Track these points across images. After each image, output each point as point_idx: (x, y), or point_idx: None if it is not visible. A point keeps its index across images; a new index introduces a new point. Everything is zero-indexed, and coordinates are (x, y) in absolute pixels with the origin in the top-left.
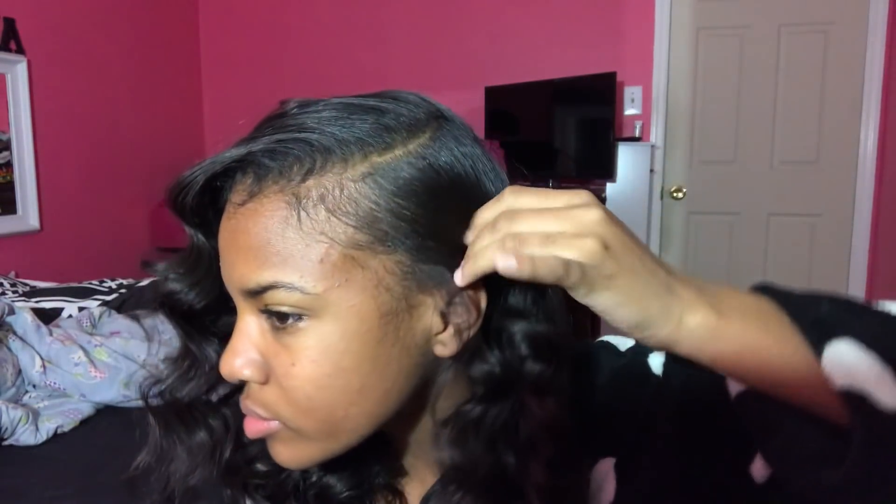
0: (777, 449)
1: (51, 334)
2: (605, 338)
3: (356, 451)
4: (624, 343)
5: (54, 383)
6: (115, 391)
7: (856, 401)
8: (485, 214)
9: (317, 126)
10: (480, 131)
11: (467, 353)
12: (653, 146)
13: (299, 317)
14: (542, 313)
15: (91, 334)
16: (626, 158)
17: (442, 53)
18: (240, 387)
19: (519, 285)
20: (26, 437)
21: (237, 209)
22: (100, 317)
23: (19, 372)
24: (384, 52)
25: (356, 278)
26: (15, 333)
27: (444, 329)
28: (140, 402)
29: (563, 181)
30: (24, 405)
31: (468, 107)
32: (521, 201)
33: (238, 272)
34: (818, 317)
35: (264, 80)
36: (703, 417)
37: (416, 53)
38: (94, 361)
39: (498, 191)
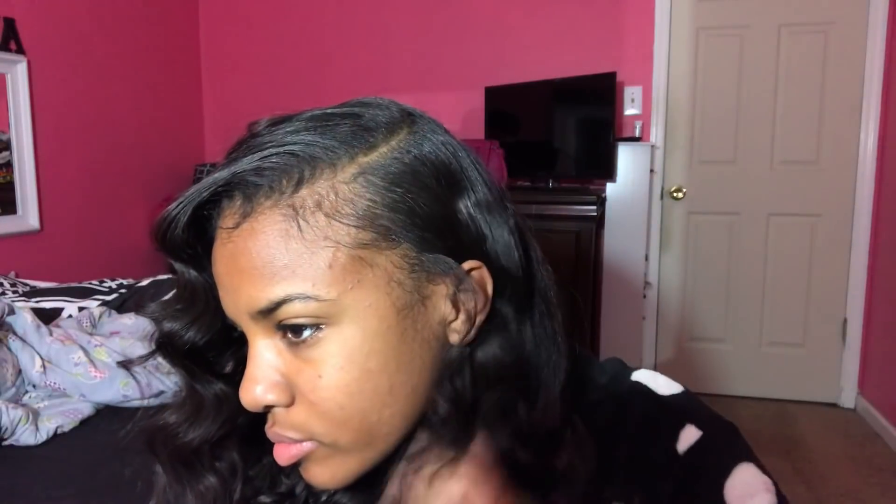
0: None
1: (51, 334)
2: (643, 375)
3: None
4: (666, 385)
5: (54, 383)
6: (115, 391)
7: None
8: None
9: (296, 138)
10: (480, 131)
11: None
12: (653, 146)
13: (317, 327)
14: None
15: (91, 334)
16: (626, 158)
17: (442, 53)
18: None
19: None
20: (26, 437)
21: (231, 233)
22: (100, 317)
23: (19, 372)
24: (384, 52)
25: (367, 278)
26: (15, 333)
27: (457, 317)
28: (140, 402)
29: (563, 181)
30: (24, 405)
31: (468, 107)
32: None
33: (245, 295)
34: None
35: (264, 80)
36: None
37: (416, 53)
38: (94, 361)
39: (482, 177)
